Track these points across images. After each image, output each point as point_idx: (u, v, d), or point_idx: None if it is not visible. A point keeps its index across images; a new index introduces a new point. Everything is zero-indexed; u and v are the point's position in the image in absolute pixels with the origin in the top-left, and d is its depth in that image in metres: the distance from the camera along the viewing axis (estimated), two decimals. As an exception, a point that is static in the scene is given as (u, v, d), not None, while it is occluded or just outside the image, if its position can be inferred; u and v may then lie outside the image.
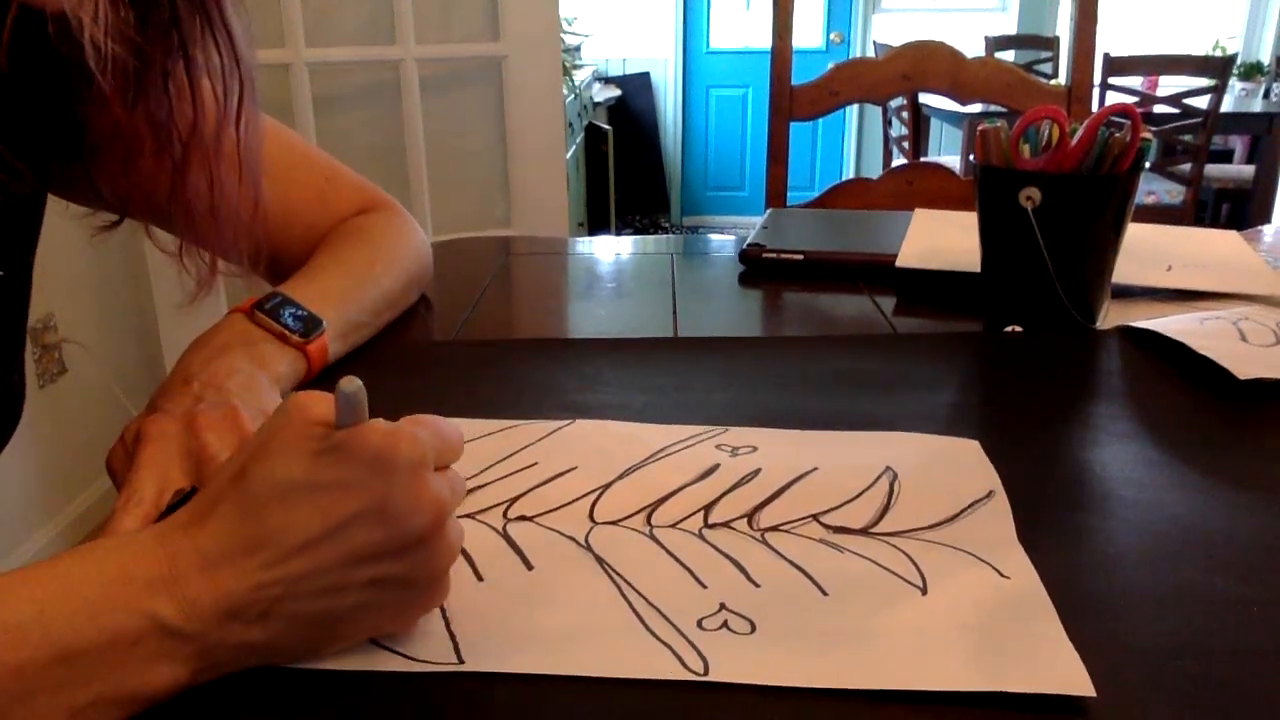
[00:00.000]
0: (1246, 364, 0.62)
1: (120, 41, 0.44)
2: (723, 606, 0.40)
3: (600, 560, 0.44)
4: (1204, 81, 3.24)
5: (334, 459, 0.35)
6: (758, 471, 0.51)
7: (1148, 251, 0.87)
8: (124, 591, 0.34)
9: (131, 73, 0.47)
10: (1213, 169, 3.67)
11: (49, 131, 0.47)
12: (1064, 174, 0.70)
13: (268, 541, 0.35)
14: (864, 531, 0.46)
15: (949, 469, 0.52)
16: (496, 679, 0.36)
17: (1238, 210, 3.77)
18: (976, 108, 2.98)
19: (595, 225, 4.11)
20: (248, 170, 0.56)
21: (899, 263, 0.87)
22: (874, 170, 4.59)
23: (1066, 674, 0.36)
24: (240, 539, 0.35)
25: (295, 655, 0.37)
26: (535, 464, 0.52)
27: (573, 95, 3.44)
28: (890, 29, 4.83)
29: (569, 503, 0.49)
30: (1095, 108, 1.44)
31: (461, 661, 0.37)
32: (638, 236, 3.19)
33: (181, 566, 0.34)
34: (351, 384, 0.36)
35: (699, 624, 0.39)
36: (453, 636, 0.38)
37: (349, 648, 0.37)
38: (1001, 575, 0.42)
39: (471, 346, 0.72)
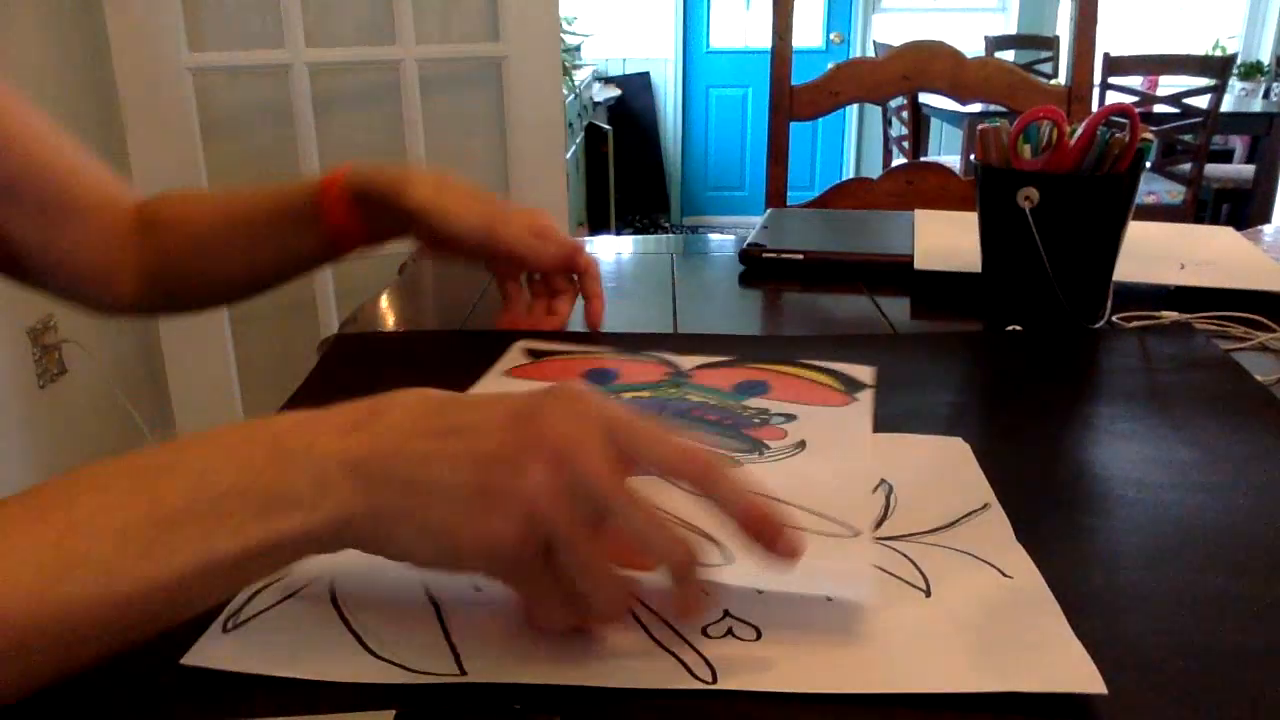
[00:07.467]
0: None
1: None
2: (727, 614, 0.40)
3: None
4: (1204, 81, 3.24)
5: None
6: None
7: (1150, 251, 0.87)
8: (264, 435, 0.37)
9: None
10: (1213, 169, 3.67)
11: None
12: (1063, 174, 0.70)
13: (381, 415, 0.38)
14: (864, 533, 0.46)
15: (943, 478, 0.51)
16: (499, 689, 0.36)
17: (1238, 210, 3.78)
18: (976, 108, 2.98)
19: (595, 225, 4.11)
20: None
21: (918, 265, 0.86)
22: (874, 170, 4.58)
23: (1076, 671, 0.35)
24: (355, 417, 0.38)
25: (384, 533, 0.36)
26: None
27: (573, 95, 3.44)
28: (890, 29, 4.83)
29: None
30: (1095, 108, 1.44)
31: (464, 673, 0.36)
32: (638, 236, 3.19)
33: (310, 429, 0.37)
34: None
35: (704, 632, 0.39)
36: (453, 647, 0.38)
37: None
38: (1004, 575, 0.42)
39: (470, 336, 0.72)
